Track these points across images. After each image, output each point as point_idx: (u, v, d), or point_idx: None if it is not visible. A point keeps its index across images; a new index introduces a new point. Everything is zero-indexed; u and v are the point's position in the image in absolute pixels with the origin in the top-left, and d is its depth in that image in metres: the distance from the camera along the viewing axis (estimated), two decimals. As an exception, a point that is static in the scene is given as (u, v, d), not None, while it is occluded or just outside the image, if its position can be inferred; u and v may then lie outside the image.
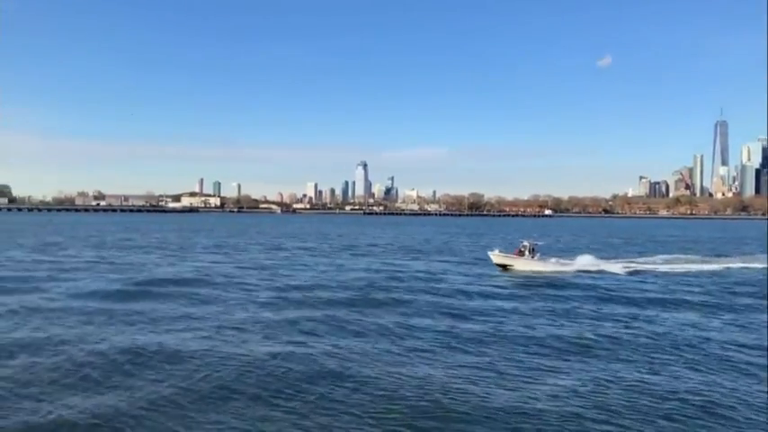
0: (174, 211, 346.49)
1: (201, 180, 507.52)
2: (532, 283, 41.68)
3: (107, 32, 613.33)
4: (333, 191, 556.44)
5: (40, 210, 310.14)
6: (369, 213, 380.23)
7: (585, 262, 52.62)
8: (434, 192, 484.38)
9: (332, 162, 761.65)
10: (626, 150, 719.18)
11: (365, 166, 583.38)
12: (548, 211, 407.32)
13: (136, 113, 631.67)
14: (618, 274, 48.08)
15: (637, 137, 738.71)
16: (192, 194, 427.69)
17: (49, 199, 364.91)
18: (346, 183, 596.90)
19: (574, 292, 37.22)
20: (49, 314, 26.97)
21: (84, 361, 19.29)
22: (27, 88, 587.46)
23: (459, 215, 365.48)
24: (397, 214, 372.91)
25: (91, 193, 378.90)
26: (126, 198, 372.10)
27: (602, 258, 57.18)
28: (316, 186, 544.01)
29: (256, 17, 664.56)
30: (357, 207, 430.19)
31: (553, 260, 52.85)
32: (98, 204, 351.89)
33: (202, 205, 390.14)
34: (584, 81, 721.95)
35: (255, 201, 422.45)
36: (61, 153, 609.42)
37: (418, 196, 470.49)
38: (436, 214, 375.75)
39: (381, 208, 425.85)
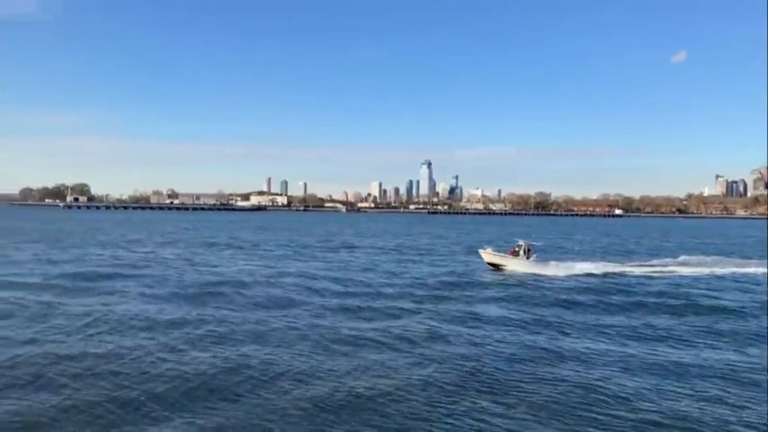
0: (243, 209, 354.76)
1: (269, 179, 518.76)
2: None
3: (178, 37, 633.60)
4: (397, 190, 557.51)
5: (116, 208, 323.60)
6: (433, 212, 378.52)
7: (588, 265, 51.07)
8: (499, 191, 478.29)
9: (396, 161, 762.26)
10: (701, 148, 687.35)
11: (429, 165, 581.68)
12: (618, 211, 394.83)
13: (208, 116, 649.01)
14: (625, 276, 46.23)
15: (713, 134, 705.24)
16: (261, 193, 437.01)
17: (125, 197, 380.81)
18: (410, 182, 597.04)
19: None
20: (133, 318, 27.32)
21: (173, 374, 19.77)
22: (105, 92, 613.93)
23: (525, 214, 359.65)
24: (461, 213, 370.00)
25: (165, 192, 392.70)
26: (198, 197, 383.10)
27: (624, 261, 55.97)
28: (380, 185, 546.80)
29: (327, 18, 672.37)
30: (421, 206, 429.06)
31: (552, 263, 50.91)
32: (171, 203, 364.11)
33: (270, 204, 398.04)
34: (657, 77, 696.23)
35: (321, 199, 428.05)
36: (137, 153, 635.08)
37: (483, 195, 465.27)
38: (501, 213, 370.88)
39: (445, 207, 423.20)
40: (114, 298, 32.11)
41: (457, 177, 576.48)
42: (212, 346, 22.10)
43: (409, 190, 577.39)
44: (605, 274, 46.99)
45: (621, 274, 47.46)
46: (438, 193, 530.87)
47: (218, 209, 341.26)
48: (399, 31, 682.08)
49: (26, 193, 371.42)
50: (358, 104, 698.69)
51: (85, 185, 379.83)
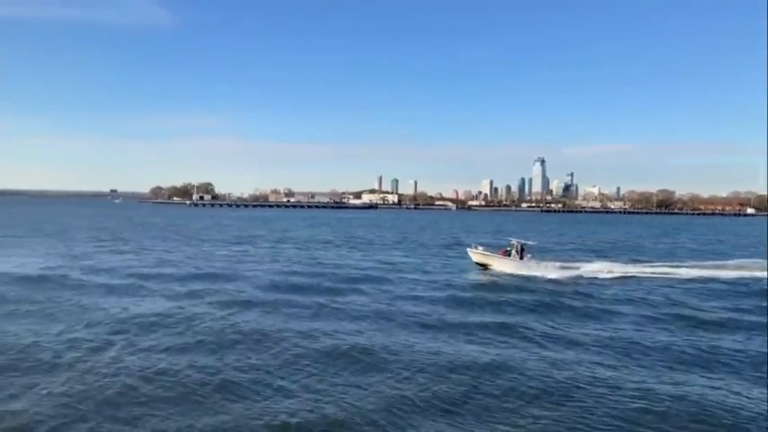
0: (354, 207, 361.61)
1: (380, 178, 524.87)
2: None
3: (293, 41, 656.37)
4: (509, 188, 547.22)
5: (237, 206, 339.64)
6: (546, 211, 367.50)
7: (595, 267, 47.27)
8: (618, 189, 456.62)
9: (508, 159, 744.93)
10: None
11: (543, 162, 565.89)
12: (750, 210, 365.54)
13: (322, 116, 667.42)
14: (639, 278, 43.20)
15: None
16: (372, 191, 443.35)
17: (246, 196, 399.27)
18: (522, 179, 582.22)
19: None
20: (260, 328, 26.16)
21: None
22: (229, 97, 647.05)
23: (647, 213, 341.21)
24: (576, 212, 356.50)
25: (282, 191, 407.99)
26: (312, 195, 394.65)
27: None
28: (491, 183, 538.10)
29: (439, 16, 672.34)
30: (534, 204, 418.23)
31: (548, 263, 47.34)
32: (288, 201, 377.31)
33: (381, 202, 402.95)
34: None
35: (431, 198, 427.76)
36: (257, 154, 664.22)
37: (600, 193, 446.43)
38: (620, 212, 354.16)
39: (560, 205, 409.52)
40: (249, 306, 32.01)
41: (572, 175, 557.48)
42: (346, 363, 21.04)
43: (521, 188, 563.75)
44: (615, 277, 43.85)
45: (628, 276, 44.58)
46: (552, 191, 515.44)
47: (332, 207, 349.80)
48: (508, 28, 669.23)
49: (156, 191, 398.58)
50: (468, 102, 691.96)
51: (210, 184, 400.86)
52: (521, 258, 46.60)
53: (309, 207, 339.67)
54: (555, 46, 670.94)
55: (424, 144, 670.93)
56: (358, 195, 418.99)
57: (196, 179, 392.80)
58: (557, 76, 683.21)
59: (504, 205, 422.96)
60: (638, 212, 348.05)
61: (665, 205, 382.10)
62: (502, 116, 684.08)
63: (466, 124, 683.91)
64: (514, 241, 48.32)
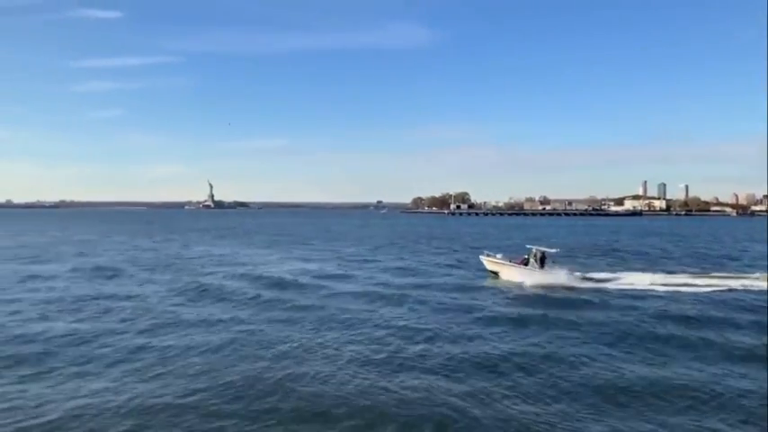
0: (616, 214, 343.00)
1: (645, 182, 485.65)
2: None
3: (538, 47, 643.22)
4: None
5: (493, 214, 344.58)
6: None
7: (631, 279, 42.11)
8: None
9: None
10: None
11: None
12: None
13: (581, 120, 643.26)
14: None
15: None
16: (635, 197, 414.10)
17: (501, 204, 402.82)
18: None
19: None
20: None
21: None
22: (483, 106, 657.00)
23: None
24: None
25: (537, 199, 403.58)
26: (569, 202, 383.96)
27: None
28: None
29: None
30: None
31: (568, 273, 42.15)
32: (543, 209, 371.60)
33: (646, 208, 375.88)
34: None
35: (706, 203, 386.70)
36: (511, 162, 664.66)
37: None
38: None
39: None
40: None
41: None
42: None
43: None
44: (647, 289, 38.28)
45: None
46: None
47: (590, 214, 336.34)
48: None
49: (417, 201, 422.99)
50: (750, 86, 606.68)
51: (466, 194, 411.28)
52: (541, 267, 43.35)
53: (566, 215, 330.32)
54: None
55: (696, 143, 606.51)
56: (619, 202, 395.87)
57: (453, 189, 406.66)
58: None
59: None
60: None
61: None
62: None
63: (745, 115, 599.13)
64: (534, 249, 44.95)
